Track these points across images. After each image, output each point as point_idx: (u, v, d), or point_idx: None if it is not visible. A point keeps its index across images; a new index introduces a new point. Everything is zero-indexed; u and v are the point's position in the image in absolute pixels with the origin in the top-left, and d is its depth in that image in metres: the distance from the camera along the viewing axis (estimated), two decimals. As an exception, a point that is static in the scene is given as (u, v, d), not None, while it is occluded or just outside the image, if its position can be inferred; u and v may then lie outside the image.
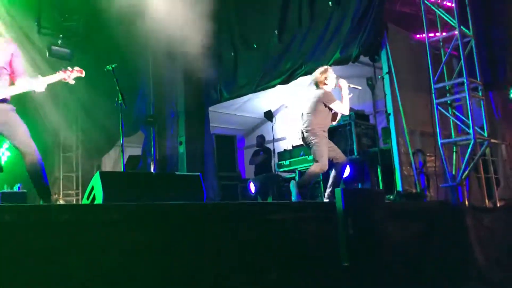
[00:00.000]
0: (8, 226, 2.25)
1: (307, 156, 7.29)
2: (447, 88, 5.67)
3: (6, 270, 2.21)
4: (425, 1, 5.73)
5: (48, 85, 3.97)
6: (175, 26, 6.74)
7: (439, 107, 5.58)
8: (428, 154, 6.03)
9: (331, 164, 5.26)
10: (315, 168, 5.14)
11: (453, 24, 5.52)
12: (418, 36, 6.62)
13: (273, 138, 8.87)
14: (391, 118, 5.98)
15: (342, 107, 5.31)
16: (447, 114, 5.63)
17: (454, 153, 5.60)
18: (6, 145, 8.09)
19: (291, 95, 9.37)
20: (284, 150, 8.40)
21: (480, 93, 5.62)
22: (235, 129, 10.99)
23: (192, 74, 8.21)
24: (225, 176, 8.64)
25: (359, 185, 6.55)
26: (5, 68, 3.89)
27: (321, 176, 6.76)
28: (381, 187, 6.15)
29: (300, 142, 5.63)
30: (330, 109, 5.31)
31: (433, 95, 5.59)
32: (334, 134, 6.79)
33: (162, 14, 6.77)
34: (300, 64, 6.97)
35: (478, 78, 5.56)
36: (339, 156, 5.26)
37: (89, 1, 7.22)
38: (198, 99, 8.56)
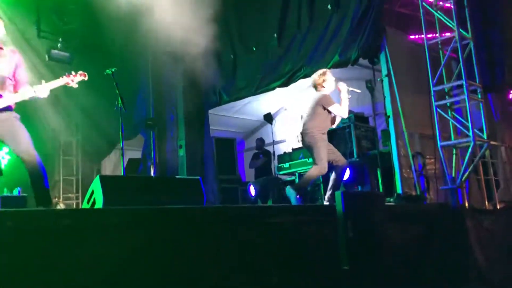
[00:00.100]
0: (9, 231, 2.25)
1: (307, 159, 7.29)
2: (446, 90, 5.68)
3: (7, 275, 2.21)
4: (424, 3, 5.74)
5: (55, 89, 3.99)
6: (174, 30, 6.75)
7: (438, 110, 5.59)
8: (427, 157, 6.04)
9: (331, 166, 5.26)
10: (314, 170, 5.15)
11: (451, 26, 5.54)
12: (417, 36, 6.64)
13: (273, 140, 8.88)
14: (391, 120, 5.99)
15: (341, 110, 5.33)
16: (446, 116, 5.64)
17: (454, 156, 5.61)
18: (6, 149, 8.09)
19: (290, 97, 9.39)
20: (284, 152, 8.40)
21: (479, 96, 5.62)
22: (234, 132, 11.00)
23: (192, 77, 8.21)
24: (225, 179, 8.64)
25: (359, 188, 6.55)
26: (10, 78, 3.92)
27: (321, 179, 6.77)
28: (381, 190, 6.15)
29: (300, 144, 5.64)
30: (329, 112, 5.32)
31: (433, 97, 5.60)
32: (334, 136, 6.79)
33: (161, 17, 6.78)
34: (299, 67, 6.99)
35: (477, 81, 5.57)
36: (339, 159, 5.27)
37: (89, 5, 7.23)
38: (197, 102, 8.57)
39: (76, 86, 4.08)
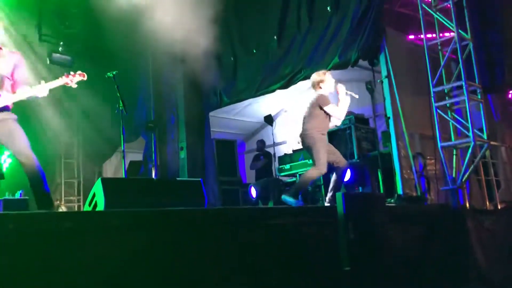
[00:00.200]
0: (11, 234, 2.26)
1: (307, 160, 7.30)
2: (446, 91, 5.69)
3: (9, 277, 2.22)
4: (423, 5, 5.76)
5: (50, 92, 3.99)
6: (175, 32, 6.77)
7: (438, 110, 5.60)
8: (428, 157, 6.04)
9: (332, 168, 5.26)
10: (313, 172, 5.13)
11: (451, 27, 5.55)
12: (416, 36, 6.65)
13: (273, 142, 8.89)
14: (391, 121, 6.00)
15: (337, 111, 5.28)
16: (446, 117, 5.64)
17: (454, 156, 5.61)
18: (7, 152, 8.10)
19: (290, 99, 9.40)
20: (285, 154, 8.41)
21: (479, 96, 5.63)
22: (235, 133, 11.00)
23: (192, 79, 8.23)
24: (226, 181, 8.64)
25: (360, 189, 6.55)
26: (8, 78, 3.92)
27: (321, 180, 6.78)
28: (381, 191, 6.16)
29: (300, 146, 5.64)
30: (327, 113, 5.30)
31: (432, 98, 5.61)
32: (334, 138, 6.80)
33: (162, 20, 6.79)
34: (299, 68, 7.00)
35: (477, 81, 5.58)
36: (340, 160, 5.25)
37: (90, 9, 7.25)
38: (198, 104, 8.58)
39: (75, 86, 4.07)
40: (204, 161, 8.36)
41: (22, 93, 3.91)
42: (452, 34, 5.56)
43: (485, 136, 5.45)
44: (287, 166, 7.98)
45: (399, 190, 5.82)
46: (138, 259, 2.65)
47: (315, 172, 5.10)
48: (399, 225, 4.33)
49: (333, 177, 5.25)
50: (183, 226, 2.93)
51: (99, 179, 3.63)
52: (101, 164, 9.87)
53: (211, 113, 8.74)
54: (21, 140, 3.86)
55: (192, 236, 2.93)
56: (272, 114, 9.40)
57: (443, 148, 5.50)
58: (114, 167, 10.01)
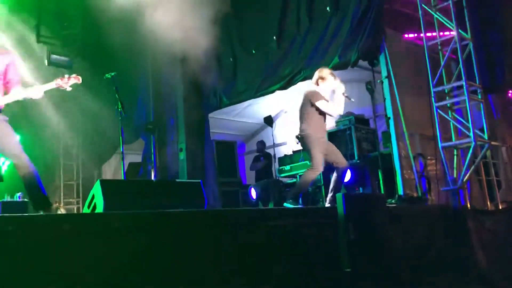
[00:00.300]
0: (10, 236, 2.25)
1: (307, 161, 7.28)
2: (446, 91, 5.68)
3: (8, 280, 2.20)
4: (423, 5, 5.75)
5: (49, 94, 3.97)
6: (174, 33, 6.76)
7: (438, 111, 5.59)
8: (428, 158, 6.03)
9: (332, 168, 5.22)
10: (309, 173, 5.04)
11: (451, 27, 5.54)
12: (415, 35, 6.63)
13: (273, 143, 8.87)
14: (391, 122, 5.98)
15: (330, 108, 5.13)
16: (447, 117, 5.63)
17: (455, 156, 5.60)
18: (6, 154, 8.08)
19: (290, 100, 9.37)
20: (285, 155, 8.40)
21: (479, 96, 5.62)
22: (235, 135, 11.00)
23: (192, 81, 8.22)
24: (226, 182, 8.63)
25: (360, 190, 6.54)
26: (0, 77, 3.88)
27: (322, 181, 6.77)
28: (382, 192, 6.14)
29: (300, 147, 5.61)
30: (319, 110, 5.12)
31: (433, 98, 5.60)
32: (334, 138, 6.79)
33: (161, 21, 6.78)
34: (299, 69, 6.99)
35: (477, 81, 5.57)
36: (340, 160, 5.15)
37: (88, 10, 7.24)
38: (197, 106, 8.57)
39: (69, 89, 4.04)
40: (203, 163, 8.35)
41: (16, 94, 3.88)
42: (452, 33, 5.55)
43: (485, 136, 5.44)
44: (287, 167, 7.97)
45: (400, 191, 5.80)
46: (137, 261, 2.63)
47: (311, 173, 5.01)
48: (399, 225, 4.32)
49: (333, 177, 5.19)
50: (182, 228, 2.91)
51: (98, 181, 3.61)
52: (101, 166, 9.85)
53: (210, 114, 8.73)
54: (13, 142, 3.83)
55: (192, 237, 2.92)
56: (272, 115, 9.39)
57: (443, 149, 5.48)
58: (113, 169, 9.98)
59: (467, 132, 5.33)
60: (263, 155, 9.36)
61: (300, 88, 7.76)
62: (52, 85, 3.97)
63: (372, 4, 6.12)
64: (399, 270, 4.04)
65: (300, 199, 5.17)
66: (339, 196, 3.53)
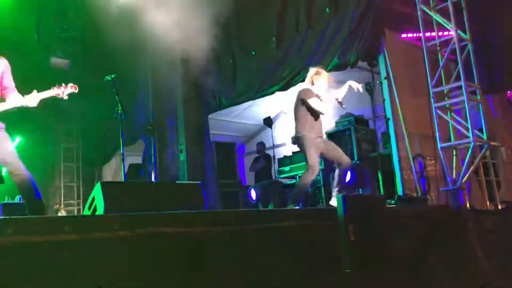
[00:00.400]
0: (11, 239, 2.25)
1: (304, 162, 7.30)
2: (445, 92, 5.69)
3: (8, 282, 2.21)
4: (422, 6, 5.76)
5: (46, 98, 3.97)
6: (174, 35, 6.77)
7: (438, 111, 5.60)
8: (428, 158, 6.04)
9: (332, 167, 5.19)
10: (306, 175, 4.98)
11: (450, 28, 5.55)
12: (414, 35, 6.63)
13: (273, 144, 8.88)
14: (391, 122, 6.00)
15: (321, 106, 5.06)
16: (446, 118, 5.64)
17: (454, 157, 5.61)
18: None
19: (290, 101, 9.37)
20: (284, 156, 8.40)
21: (478, 97, 5.64)
22: (235, 136, 11.00)
23: (191, 82, 8.23)
24: (226, 184, 8.63)
25: (360, 191, 6.55)
26: None
27: (321, 182, 6.77)
28: (381, 192, 6.15)
29: (297, 148, 5.59)
30: (310, 109, 5.07)
31: (432, 99, 5.61)
32: (334, 139, 6.80)
33: (161, 23, 6.79)
34: (298, 70, 7.00)
35: (476, 82, 5.58)
36: (341, 161, 5.09)
37: (88, 12, 7.26)
38: (197, 107, 8.58)
39: (66, 97, 4.03)
40: (203, 164, 8.35)
41: (13, 102, 3.86)
42: (450, 34, 5.56)
43: (484, 137, 5.45)
44: (287, 168, 7.98)
45: (399, 191, 5.81)
46: (138, 262, 2.64)
47: (308, 174, 4.95)
48: (399, 226, 4.32)
49: (337, 172, 5.09)
50: (183, 229, 2.92)
51: (99, 183, 3.62)
52: (101, 168, 9.87)
53: (210, 116, 8.74)
54: (8, 150, 3.82)
55: (192, 239, 2.92)
56: (272, 116, 9.39)
57: (443, 149, 5.49)
58: (113, 170, 10.00)
59: (466, 133, 5.34)
60: (263, 156, 9.37)
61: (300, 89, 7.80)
62: (48, 93, 3.96)
63: (370, 5, 6.13)
64: (399, 271, 4.05)
65: (301, 201, 5.16)
66: (339, 197, 3.54)
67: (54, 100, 4.11)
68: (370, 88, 6.07)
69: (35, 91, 3.91)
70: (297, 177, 7.63)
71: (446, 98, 5.68)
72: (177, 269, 2.79)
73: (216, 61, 7.95)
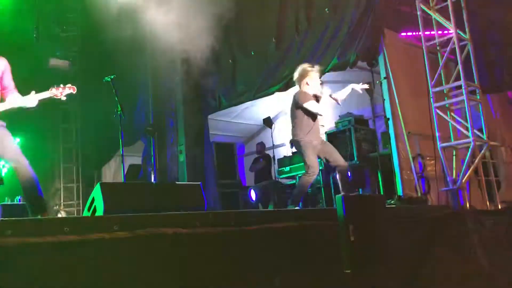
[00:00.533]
0: (10, 240, 2.25)
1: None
2: (445, 91, 5.69)
3: (7, 284, 2.21)
4: (422, 6, 5.76)
5: (44, 99, 3.98)
6: (174, 35, 6.76)
7: (437, 111, 5.59)
8: (428, 158, 6.03)
9: (331, 168, 5.19)
10: (305, 177, 4.98)
11: (449, 27, 5.55)
12: (415, 34, 6.62)
13: (273, 144, 8.88)
14: (390, 122, 5.99)
15: (318, 108, 5.04)
16: (445, 117, 5.64)
17: (454, 157, 5.61)
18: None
19: (289, 101, 9.38)
20: (284, 156, 8.40)
21: (478, 96, 5.63)
22: (234, 136, 11.00)
23: (191, 83, 8.23)
24: (226, 184, 8.64)
25: (360, 191, 6.55)
26: None
27: (321, 182, 6.77)
28: (381, 192, 6.15)
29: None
30: (308, 111, 5.05)
31: (431, 99, 5.61)
32: (334, 139, 6.80)
33: (161, 23, 6.79)
34: (298, 71, 6.99)
35: (476, 81, 5.58)
36: (339, 163, 5.08)
37: (87, 12, 7.26)
38: (197, 108, 8.58)
39: (64, 98, 4.05)
40: (203, 164, 8.35)
41: (12, 102, 3.88)
42: (450, 32, 5.55)
43: (484, 136, 5.45)
44: (287, 169, 7.97)
45: (399, 191, 5.81)
46: (138, 263, 2.63)
47: (307, 176, 4.95)
48: (399, 226, 4.32)
49: (338, 177, 5.07)
50: (183, 230, 2.91)
51: (98, 183, 3.62)
52: (100, 168, 9.86)
53: (210, 116, 8.73)
54: (12, 147, 3.84)
55: (192, 240, 2.92)
56: (271, 117, 9.39)
57: (442, 149, 5.49)
58: (113, 171, 10.00)
59: (466, 133, 5.34)
60: (263, 157, 9.36)
61: (299, 90, 7.79)
62: (47, 94, 3.96)
63: (370, 5, 6.13)
64: (399, 271, 4.05)
65: (301, 202, 5.16)
66: (338, 197, 3.53)
67: (53, 100, 4.11)
68: (369, 88, 6.06)
69: (33, 92, 3.92)
70: (297, 177, 7.63)
71: (445, 98, 5.68)
72: (177, 270, 2.79)
73: (216, 61, 7.95)
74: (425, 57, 5.67)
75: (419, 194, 5.74)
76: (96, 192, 3.61)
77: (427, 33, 5.81)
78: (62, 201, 9.18)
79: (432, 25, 5.83)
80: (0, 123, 3.88)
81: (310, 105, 5.01)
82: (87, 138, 9.38)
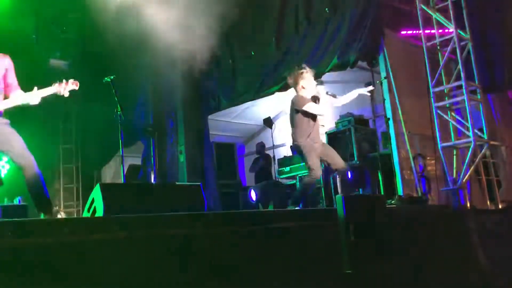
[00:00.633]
0: (10, 241, 2.24)
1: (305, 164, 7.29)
2: (445, 91, 5.68)
3: (7, 285, 2.20)
4: (422, 6, 5.75)
5: (47, 96, 3.98)
6: (174, 36, 6.76)
7: (438, 111, 5.59)
8: (428, 158, 6.03)
9: (330, 170, 5.20)
10: (308, 178, 5.02)
11: (450, 27, 5.55)
12: (415, 32, 6.62)
13: (273, 144, 8.87)
14: (391, 122, 5.99)
15: (316, 108, 5.05)
16: (446, 117, 5.63)
17: (454, 156, 5.60)
18: (5, 158, 8.09)
19: (289, 101, 9.38)
20: (284, 156, 8.39)
21: (479, 96, 5.63)
22: (234, 136, 11.00)
23: (191, 83, 8.22)
24: (226, 184, 8.63)
25: (360, 191, 6.54)
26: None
27: (321, 182, 6.76)
28: (382, 192, 6.14)
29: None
30: (308, 114, 5.06)
31: (432, 99, 5.60)
32: (334, 139, 6.79)
33: (161, 23, 6.78)
34: (298, 71, 6.98)
35: (476, 81, 5.57)
36: (338, 165, 5.08)
37: (87, 14, 7.24)
38: (197, 108, 8.57)
39: (67, 94, 4.04)
40: (203, 165, 8.34)
41: (15, 99, 3.90)
42: (451, 30, 5.55)
43: (485, 136, 5.44)
44: (287, 169, 7.96)
45: (400, 191, 5.80)
46: (138, 264, 2.63)
47: (310, 178, 4.98)
48: (400, 226, 4.31)
49: (338, 182, 5.13)
50: (183, 231, 2.91)
51: (98, 184, 3.61)
52: (100, 169, 9.85)
53: (210, 116, 8.73)
54: (18, 144, 3.84)
55: (193, 240, 2.91)
56: (272, 117, 9.39)
57: (443, 149, 5.48)
58: (113, 172, 9.98)
59: (466, 132, 5.33)
60: (262, 157, 9.36)
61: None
62: (50, 90, 3.97)
63: (370, 5, 6.12)
64: (400, 271, 4.04)
65: (301, 203, 5.17)
66: (339, 197, 3.53)
67: (53, 100, 4.10)
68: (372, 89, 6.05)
69: (35, 88, 3.92)
70: (297, 177, 7.63)
71: (446, 98, 5.68)
72: (177, 270, 2.78)
73: (215, 61, 7.94)
74: (425, 57, 5.66)
75: (420, 194, 5.74)
76: (96, 193, 3.60)
77: (427, 31, 5.80)
78: (62, 202, 9.16)
79: (432, 24, 5.82)
80: (5, 120, 3.89)
81: (310, 107, 5.02)
82: (87, 139, 9.36)
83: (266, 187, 8.13)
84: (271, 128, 8.98)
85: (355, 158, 6.64)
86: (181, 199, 4.02)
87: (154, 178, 8.45)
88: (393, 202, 5.52)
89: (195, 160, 8.35)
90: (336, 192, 5.90)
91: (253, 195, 8.21)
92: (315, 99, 5.13)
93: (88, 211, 3.70)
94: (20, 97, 3.90)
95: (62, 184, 9.27)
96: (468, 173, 5.29)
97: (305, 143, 5.00)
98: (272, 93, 7.58)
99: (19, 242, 2.27)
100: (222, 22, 7.64)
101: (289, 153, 8.56)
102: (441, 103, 5.62)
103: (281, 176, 8.10)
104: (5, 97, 3.94)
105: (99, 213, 3.50)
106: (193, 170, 8.22)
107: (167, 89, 8.80)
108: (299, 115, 5.06)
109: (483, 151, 5.38)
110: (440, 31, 5.77)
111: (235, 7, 7.67)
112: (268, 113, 9.47)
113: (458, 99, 5.54)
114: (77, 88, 4.07)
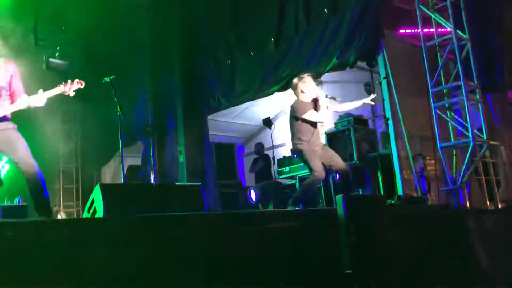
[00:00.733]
0: (10, 242, 2.24)
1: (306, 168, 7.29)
2: (444, 91, 5.68)
3: (7, 286, 2.20)
4: (421, 6, 5.76)
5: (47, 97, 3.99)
6: (174, 35, 6.77)
7: (437, 111, 5.59)
8: (428, 158, 6.03)
9: (329, 170, 5.21)
10: (311, 180, 5.07)
11: (448, 27, 5.55)
12: (414, 31, 6.61)
13: (272, 145, 8.88)
14: (390, 122, 5.99)
15: (316, 116, 5.11)
16: (445, 117, 5.63)
17: (454, 156, 5.60)
18: (5, 158, 8.09)
19: (289, 102, 9.37)
20: (284, 157, 8.39)
21: (478, 96, 5.63)
22: (234, 137, 11.00)
23: (191, 83, 8.22)
24: (225, 185, 8.63)
25: (360, 191, 6.54)
26: (5, 88, 3.94)
27: (321, 183, 6.76)
28: (381, 192, 6.14)
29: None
30: (308, 121, 5.11)
31: (431, 98, 5.61)
32: (333, 140, 6.79)
33: (160, 23, 6.80)
34: (298, 71, 6.97)
35: (476, 81, 5.57)
36: (339, 167, 5.11)
37: (87, 13, 7.25)
38: (196, 108, 8.57)
39: (73, 94, 4.07)
40: (203, 165, 8.34)
41: (21, 103, 3.93)
42: (449, 30, 5.55)
43: (484, 136, 5.44)
44: (287, 169, 7.97)
45: (399, 191, 5.81)
46: (138, 265, 2.63)
47: (314, 179, 5.03)
48: (399, 226, 4.31)
49: (339, 179, 5.14)
50: (183, 231, 2.91)
51: (98, 185, 3.62)
52: (100, 169, 9.85)
53: (210, 117, 8.73)
54: (22, 149, 3.87)
55: (193, 240, 2.91)
56: (271, 117, 9.39)
57: (442, 149, 5.48)
58: (112, 172, 9.99)
59: (466, 132, 5.33)
60: (261, 157, 9.37)
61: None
62: (55, 91, 3.99)
63: (370, 5, 6.12)
64: (400, 271, 4.04)
65: (301, 203, 5.18)
66: (339, 197, 3.53)
67: (52, 100, 4.11)
68: (369, 88, 6.06)
69: (41, 90, 3.95)
70: (297, 177, 7.63)
71: (445, 98, 5.68)
72: (177, 270, 2.78)
73: (215, 61, 7.94)
74: (424, 57, 5.67)
75: (419, 194, 5.74)
76: (96, 193, 3.60)
77: (425, 30, 5.80)
78: (61, 202, 9.16)
79: (431, 23, 5.82)
80: (12, 125, 3.93)
81: (310, 115, 5.07)
82: (87, 139, 9.36)
83: (266, 187, 8.14)
84: (270, 128, 8.98)
85: (355, 158, 6.64)
86: (181, 200, 4.02)
87: (154, 178, 8.45)
88: (393, 202, 5.53)
89: (195, 160, 8.35)
90: (336, 192, 5.90)
91: (253, 195, 8.21)
92: (315, 103, 5.16)
93: (88, 211, 3.71)
94: (26, 101, 3.91)
95: (62, 185, 9.27)
96: (468, 173, 5.29)
97: (305, 147, 5.03)
98: (272, 93, 7.58)
99: (19, 242, 2.28)
100: (222, 22, 7.66)
101: (288, 153, 8.56)
102: (440, 103, 5.62)
103: (281, 176, 8.10)
104: (11, 102, 3.97)
105: (99, 213, 3.50)
106: (193, 170, 8.22)
107: (167, 89, 8.80)
108: (299, 122, 5.10)
109: (482, 151, 5.38)
110: (439, 31, 5.77)
111: (235, 7, 7.70)
112: (268, 113, 9.47)
113: (457, 99, 5.54)
114: (82, 86, 4.09)
